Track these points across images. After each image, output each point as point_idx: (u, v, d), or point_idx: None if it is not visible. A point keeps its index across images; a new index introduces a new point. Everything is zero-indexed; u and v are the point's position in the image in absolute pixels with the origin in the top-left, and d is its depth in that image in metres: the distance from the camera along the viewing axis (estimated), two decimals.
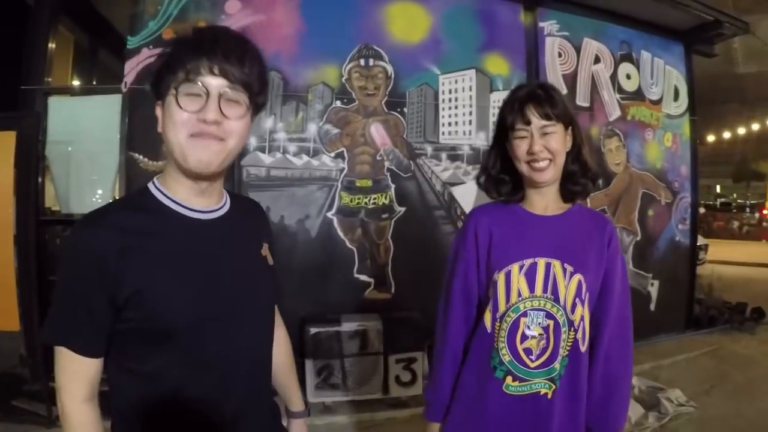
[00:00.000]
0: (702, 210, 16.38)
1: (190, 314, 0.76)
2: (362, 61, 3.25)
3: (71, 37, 4.26)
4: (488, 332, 1.04)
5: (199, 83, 0.73)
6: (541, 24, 3.69)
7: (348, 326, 2.86)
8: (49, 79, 3.31)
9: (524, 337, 1.01)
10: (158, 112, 0.79)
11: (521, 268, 1.02)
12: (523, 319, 1.02)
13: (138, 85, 3.05)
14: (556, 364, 1.02)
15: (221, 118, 0.75)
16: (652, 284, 4.09)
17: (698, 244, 6.55)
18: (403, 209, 3.29)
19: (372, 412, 2.79)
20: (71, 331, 0.75)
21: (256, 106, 0.82)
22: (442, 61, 3.39)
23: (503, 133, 1.08)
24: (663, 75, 4.26)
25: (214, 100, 0.74)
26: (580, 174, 1.07)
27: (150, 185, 0.82)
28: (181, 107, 0.73)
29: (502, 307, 1.03)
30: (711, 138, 17.40)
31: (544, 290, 1.01)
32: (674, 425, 2.65)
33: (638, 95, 4.10)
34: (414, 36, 3.35)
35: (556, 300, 1.01)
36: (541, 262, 1.02)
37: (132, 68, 3.07)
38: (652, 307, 4.10)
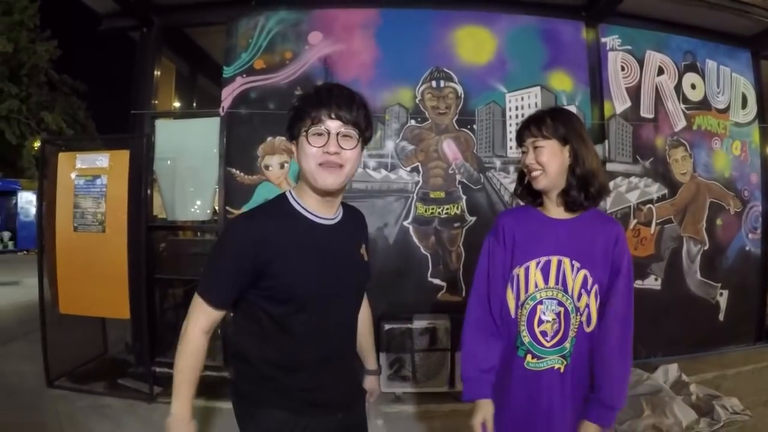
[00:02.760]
0: None
1: (310, 288, 1.08)
2: (434, 83, 3.51)
3: (173, 66, 4.74)
4: (512, 318, 1.28)
5: (322, 126, 1.05)
6: (603, 39, 3.77)
7: (419, 324, 3.09)
8: (156, 102, 3.78)
9: (540, 322, 1.25)
10: (294, 149, 1.12)
11: (538, 264, 1.26)
12: (539, 307, 1.25)
13: (234, 109, 3.45)
14: (567, 344, 1.23)
15: (339, 149, 1.06)
16: (721, 294, 4.02)
17: None
18: (473, 219, 3.48)
19: (438, 403, 2.97)
20: (211, 291, 1.07)
21: (365, 139, 1.13)
22: (509, 79, 3.57)
23: None
24: (730, 83, 4.21)
25: (333, 137, 1.05)
26: (576, 187, 1.24)
27: (288, 194, 1.14)
28: (310, 144, 1.05)
29: (522, 296, 1.26)
30: None
31: (556, 282, 1.24)
32: None
33: (704, 104, 4.07)
34: (481, 57, 3.56)
35: (565, 290, 1.23)
36: (554, 260, 1.25)
37: (228, 95, 3.47)
38: (721, 317, 4.02)
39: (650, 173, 3.83)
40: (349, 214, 1.22)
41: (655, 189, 3.84)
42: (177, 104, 5.01)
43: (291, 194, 1.13)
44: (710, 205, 4.03)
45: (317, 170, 1.04)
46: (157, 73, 3.81)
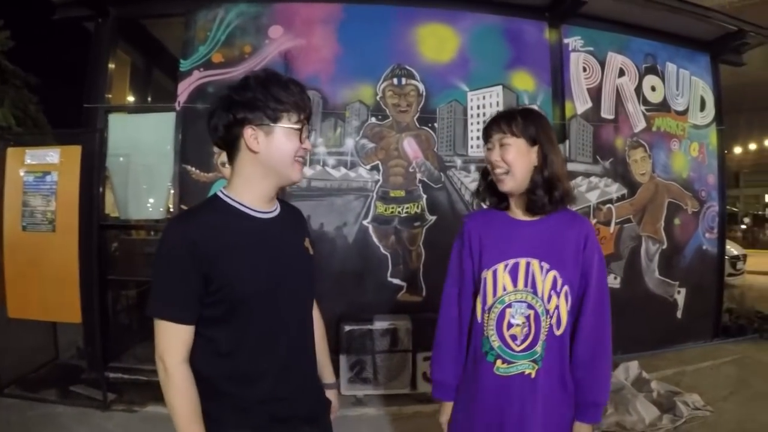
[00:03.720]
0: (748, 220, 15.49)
1: (256, 283, 1.02)
2: (395, 80, 3.47)
3: (128, 58, 4.60)
4: (479, 322, 1.25)
5: (306, 123, 1.06)
6: (565, 40, 3.81)
7: (380, 325, 3.04)
8: (109, 96, 3.63)
9: (510, 325, 1.21)
10: (251, 134, 1.01)
11: (506, 266, 1.22)
12: (508, 310, 1.21)
13: (190, 104, 3.35)
14: (538, 348, 1.19)
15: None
16: (679, 292, 4.12)
17: (736, 254, 6.41)
18: (434, 218, 3.46)
19: (400, 405, 2.94)
20: (174, 307, 0.97)
21: None
22: (471, 78, 3.57)
23: None
24: (689, 86, 4.31)
25: (307, 134, 1.07)
26: (541, 188, 1.21)
27: (219, 194, 1.07)
28: (300, 140, 1.04)
29: (489, 299, 1.22)
30: (753, 146, 16.61)
31: (525, 285, 1.20)
32: (687, 427, 2.67)
33: (663, 106, 4.16)
34: (444, 55, 3.55)
35: (535, 293, 1.20)
36: (522, 262, 1.21)
37: (185, 89, 3.37)
38: (679, 314, 4.12)
39: (610, 173, 3.89)
40: (286, 209, 1.18)
41: (615, 189, 3.90)
42: (131, 98, 4.85)
43: (222, 193, 1.07)
44: (668, 205, 4.12)
45: (293, 165, 1.05)
46: (111, 65, 3.67)
